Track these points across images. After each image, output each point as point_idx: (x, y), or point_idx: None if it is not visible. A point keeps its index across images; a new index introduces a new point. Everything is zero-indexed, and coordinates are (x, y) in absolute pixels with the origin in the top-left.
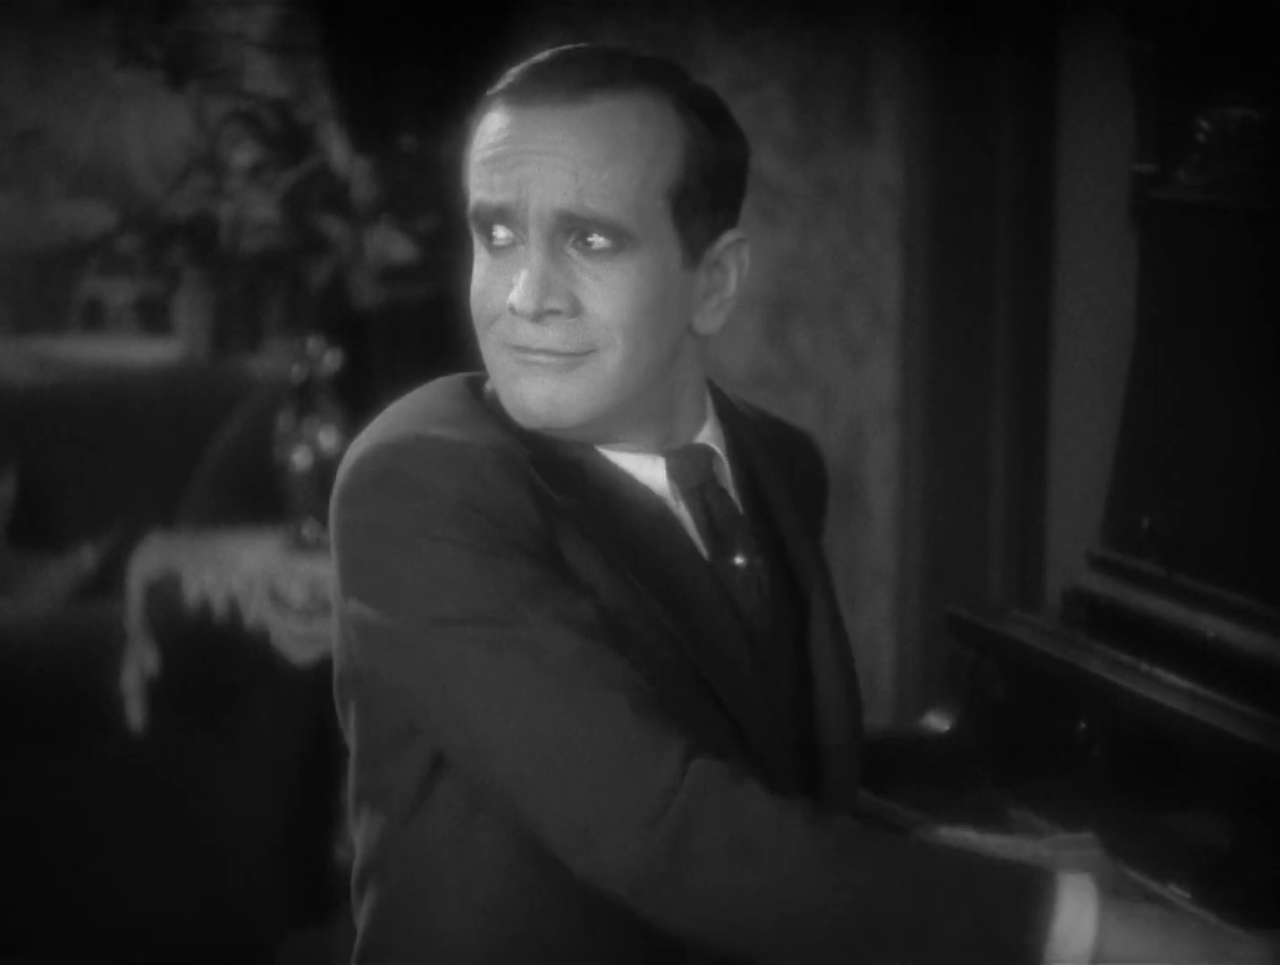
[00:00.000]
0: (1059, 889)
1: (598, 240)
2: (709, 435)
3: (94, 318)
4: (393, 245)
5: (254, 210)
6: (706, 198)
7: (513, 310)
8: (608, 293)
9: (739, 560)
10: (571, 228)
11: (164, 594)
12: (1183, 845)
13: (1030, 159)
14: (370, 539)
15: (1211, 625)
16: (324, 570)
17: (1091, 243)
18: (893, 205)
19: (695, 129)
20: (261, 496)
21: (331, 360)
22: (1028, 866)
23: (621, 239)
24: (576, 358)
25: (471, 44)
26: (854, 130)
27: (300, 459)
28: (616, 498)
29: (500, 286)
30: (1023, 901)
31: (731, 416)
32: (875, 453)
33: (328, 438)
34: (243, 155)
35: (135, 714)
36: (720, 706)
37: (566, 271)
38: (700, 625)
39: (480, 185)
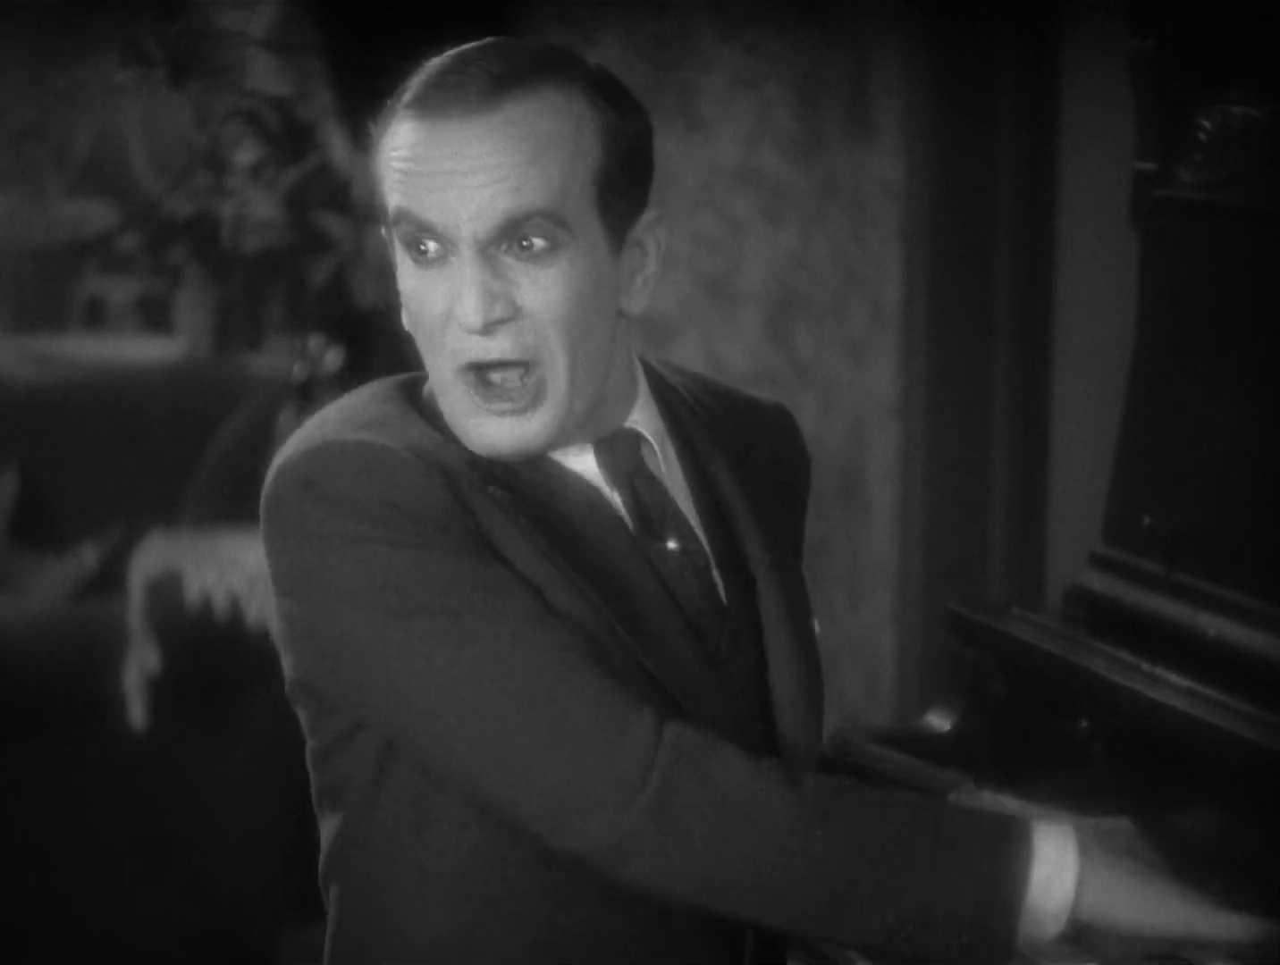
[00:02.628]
0: (1038, 839)
1: (536, 242)
2: (639, 418)
3: (95, 316)
4: None
5: (255, 208)
6: (625, 181)
7: (459, 324)
8: (543, 292)
9: (671, 545)
10: (506, 234)
11: (165, 592)
12: (1183, 843)
13: (1031, 157)
14: (298, 546)
15: (1212, 624)
16: None
17: (1092, 241)
18: (894, 203)
19: (606, 114)
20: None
21: (333, 358)
22: (1006, 817)
23: (558, 234)
24: (530, 394)
25: (472, 42)
26: (855, 128)
27: None
28: (547, 486)
29: (436, 299)
30: (1000, 852)
31: (669, 395)
32: (876, 451)
33: None
34: (244, 153)
35: (137, 712)
36: (659, 687)
37: (503, 278)
38: (636, 609)
39: (399, 191)
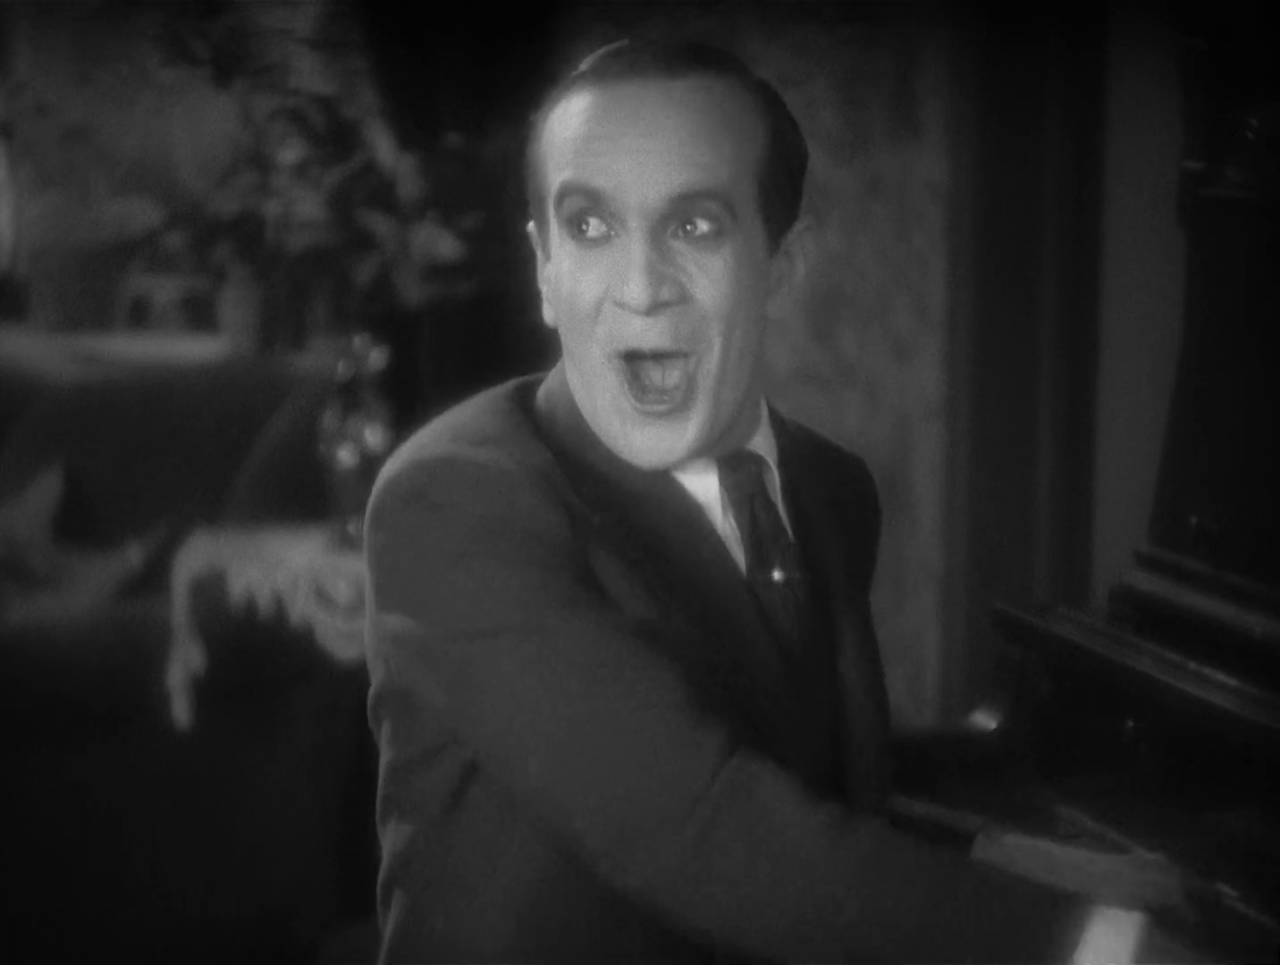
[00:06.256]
0: (1090, 916)
1: (702, 225)
2: (761, 443)
3: (140, 315)
4: (438, 242)
5: (300, 207)
6: (786, 184)
7: (621, 305)
8: (711, 280)
9: (777, 575)
10: (675, 213)
11: (209, 591)
12: (1231, 844)
13: (1078, 156)
14: (402, 557)
15: (1259, 623)
16: None
17: (1139, 240)
18: (939, 203)
19: (777, 114)
20: (307, 494)
21: (377, 357)
22: (1056, 891)
23: (725, 220)
24: (683, 392)
25: (517, 41)
26: (900, 127)
27: (346, 456)
28: (653, 511)
29: (594, 281)
30: (1048, 923)
31: (780, 426)
32: (921, 451)
33: (373, 435)
34: (289, 152)
35: (181, 711)
36: (747, 720)
37: (671, 261)
38: (733, 642)
39: (568, 165)
